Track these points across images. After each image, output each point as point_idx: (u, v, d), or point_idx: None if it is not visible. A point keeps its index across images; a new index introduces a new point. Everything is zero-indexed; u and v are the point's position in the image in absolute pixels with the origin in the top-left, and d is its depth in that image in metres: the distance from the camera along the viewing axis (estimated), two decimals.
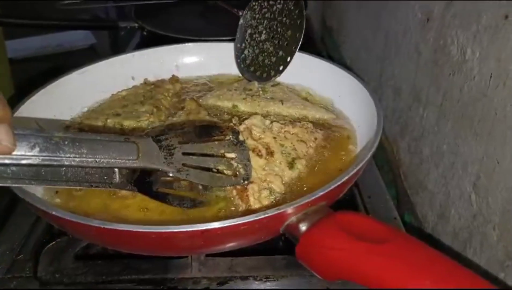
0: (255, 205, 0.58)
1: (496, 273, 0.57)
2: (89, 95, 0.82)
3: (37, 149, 0.47)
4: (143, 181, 0.58)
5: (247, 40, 0.88)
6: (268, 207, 0.56)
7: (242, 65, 0.89)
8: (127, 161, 0.53)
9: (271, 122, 0.70)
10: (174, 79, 0.90)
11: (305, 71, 0.86)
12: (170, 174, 0.56)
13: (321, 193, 0.52)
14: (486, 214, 0.59)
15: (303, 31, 0.80)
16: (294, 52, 0.81)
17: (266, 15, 0.86)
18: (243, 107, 0.80)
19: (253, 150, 0.63)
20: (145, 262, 0.63)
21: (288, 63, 0.82)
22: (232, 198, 0.61)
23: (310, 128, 0.72)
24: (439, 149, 0.72)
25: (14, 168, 0.49)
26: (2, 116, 0.43)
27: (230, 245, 0.56)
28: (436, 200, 0.73)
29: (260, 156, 0.63)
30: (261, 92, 0.83)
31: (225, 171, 0.59)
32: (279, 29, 0.84)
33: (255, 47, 0.87)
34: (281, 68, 0.83)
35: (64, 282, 0.61)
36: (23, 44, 1.74)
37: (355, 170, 0.56)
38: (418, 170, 0.80)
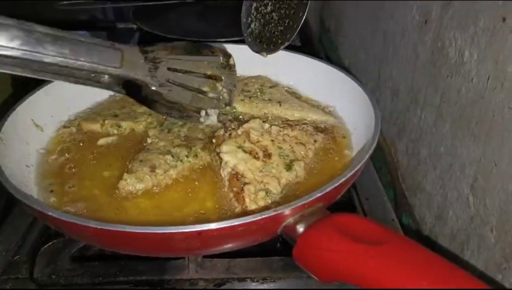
0: (251, 206, 0.58)
1: (494, 275, 0.57)
2: (87, 96, 0.81)
3: (18, 42, 0.45)
4: (132, 85, 0.56)
5: (253, 14, 0.86)
6: (264, 208, 0.56)
7: (249, 39, 0.87)
8: (108, 67, 0.52)
9: (270, 125, 0.70)
10: None
11: (302, 73, 0.86)
12: (152, 88, 0.55)
13: (318, 195, 0.52)
14: (484, 215, 0.59)
15: None
16: (302, 18, 0.79)
17: None
18: (241, 108, 0.80)
19: (250, 153, 0.63)
20: (142, 263, 0.63)
21: (296, 30, 0.80)
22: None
23: (310, 130, 0.72)
24: (437, 150, 0.72)
25: None
26: None
27: (227, 246, 0.55)
28: (434, 201, 0.73)
29: (257, 158, 0.63)
30: (259, 93, 0.83)
31: (209, 94, 0.58)
32: None
33: (262, 20, 0.85)
34: (288, 35, 0.81)
35: (60, 284, 0.61)
36: None
37: (352, 172, 0.56)
38: (415, 172, 0.80)
